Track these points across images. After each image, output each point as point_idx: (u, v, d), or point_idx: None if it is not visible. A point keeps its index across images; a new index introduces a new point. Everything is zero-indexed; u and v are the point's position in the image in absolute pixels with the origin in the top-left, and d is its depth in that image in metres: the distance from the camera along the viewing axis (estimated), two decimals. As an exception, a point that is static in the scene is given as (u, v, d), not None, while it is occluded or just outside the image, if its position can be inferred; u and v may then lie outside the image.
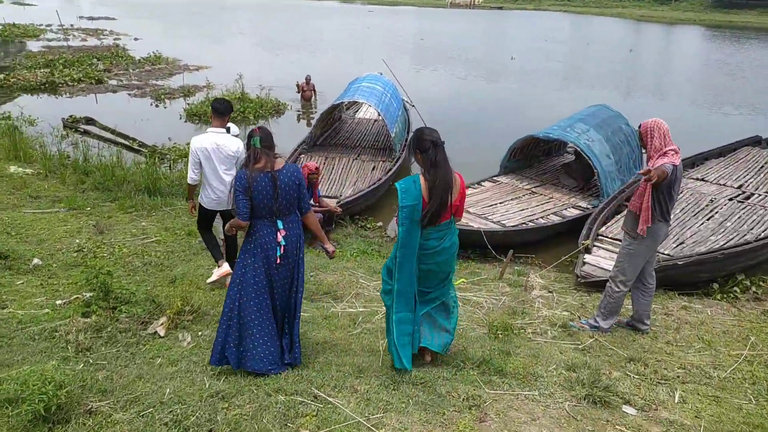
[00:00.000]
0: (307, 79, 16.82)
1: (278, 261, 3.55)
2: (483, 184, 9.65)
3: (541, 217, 8.32)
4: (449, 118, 16.27)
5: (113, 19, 44.96)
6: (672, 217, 4.86)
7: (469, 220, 7.89)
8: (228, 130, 5.26)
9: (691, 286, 6.44)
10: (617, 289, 4.77)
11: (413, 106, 14.53)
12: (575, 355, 4.35)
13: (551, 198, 9.10)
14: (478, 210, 8.33)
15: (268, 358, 3.60)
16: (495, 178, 9.94)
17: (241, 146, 5.19)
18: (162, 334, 4.15)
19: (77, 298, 4.62)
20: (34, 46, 27.15)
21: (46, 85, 17.68)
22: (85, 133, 13.01)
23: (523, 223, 8.03)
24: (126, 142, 12.17)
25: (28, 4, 55.11)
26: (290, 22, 51.96)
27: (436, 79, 23.38)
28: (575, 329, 4.94)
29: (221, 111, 5.12)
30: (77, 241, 6.62)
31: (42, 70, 19.21)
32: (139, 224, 7.63)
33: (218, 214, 5.45)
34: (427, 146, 3.45)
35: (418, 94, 15.77)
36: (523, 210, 8.53)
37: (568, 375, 3.91)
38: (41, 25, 34.46)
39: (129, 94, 17.68)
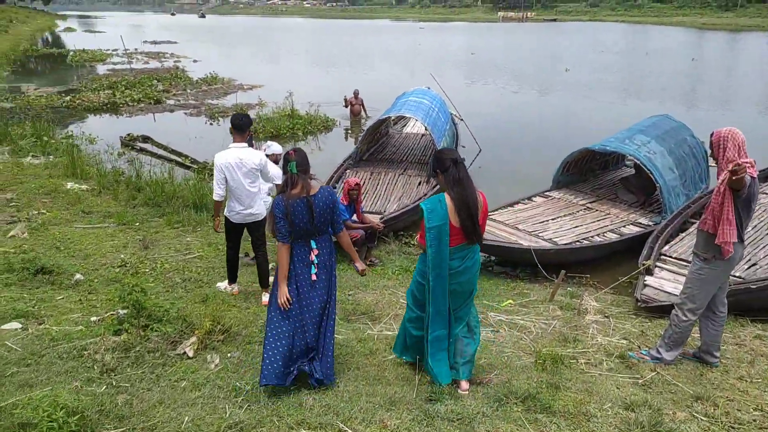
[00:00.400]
0: (355, 94, 16.76)
1: (313, 278, 3.67)
2: (534, 199, 9.20)
3: (597, 235, 7.80)
4: (500, 132, 15.86)
5: (175, 42, 47.12)
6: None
7: (519, 238, 7.48)
8: (266, 147, 5.19)
9: (766, 312, 5.79)
10: (684, 318, 4.27)
11: (462, 119, 14.24)
12: (634, 391, 3.90)
13: (608, 214, 8.55)
14: (528, 227, 7.90)
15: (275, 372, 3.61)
16: (547, 193, 9.47)
17: (263, 158, 5.23)
18: (190, 355, 4.01)
19: (111, 315, 4.56)
20: (100, 69, 28.68)
21: (108, 106, 18.49)
22: (141, 150, 13.41)
23: (577, 241, 7.54)
24: (178, 159, 12.44)
25: (98, 32, 58.80)
26: (342, 41, 52.89)
27: (487, 93, 22.97)
28: (635, 360, 4.47)
29: (240, 126, 5.13)
30: (122, 256, 6.67)
31: (105, 92, 20.14)
32: (184, 239, 7.66)
33: (246, 229, 5.45)
34: (447, 165, 3.45)
35: (469, 109, 15.47)
36: (577, 227, 8.03)
37: (626, 415, 3.48)
38: (108, 50, 36.45)
39: (185, 113, 18.24)
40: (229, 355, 4.09)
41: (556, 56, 38.66)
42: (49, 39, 50.84)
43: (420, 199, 8.85)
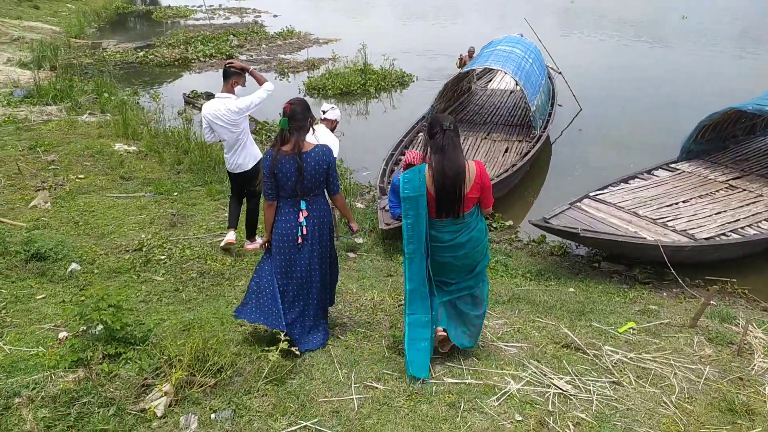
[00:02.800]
0: (470, 52, 13.93)
1: (299, 241, 3.45)
2: (656, 174, 7.17)
3: (749, 225, 5.77)
4: (606, 91, 13.46)
5: (259, -3, 46.47)
6: None
7: (641, 228, 5.61)
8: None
9: None
10: None
11: (560, 73, 12.07)
12: None
13: (760, 195, 6.42)
14: (651, 212, 5.98)
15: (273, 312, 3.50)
16: (673, 165, 7.39)
17: (240, 104, 4.90)
18: (159, 413, 2.74)
19: (82, 331, 3.40)
20: (183, 25, 28.40)
21: (180, 62, 17.84)
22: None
23: (723, 234, 5.57)
24: (237, 118, 11.36)
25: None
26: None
27: (589, 46, 20.09)
28: None
29: (224, 75, 5.01)
30: (143, 235, 5.61)
31: (180, 48, 19.55)
32: (222, 214, 6.52)
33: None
34: (435, 131, 3.24)
35: (568, 63, 13.13)
36: (719, 213, 6.01)
37: None
38: (193, 6, 36.27)
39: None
40: (213, 415, 2.78)
41: (669, 5, 33.94)
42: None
43: (508, 171, 7.12)
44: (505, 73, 9.29)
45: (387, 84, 14.16)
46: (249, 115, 5.17)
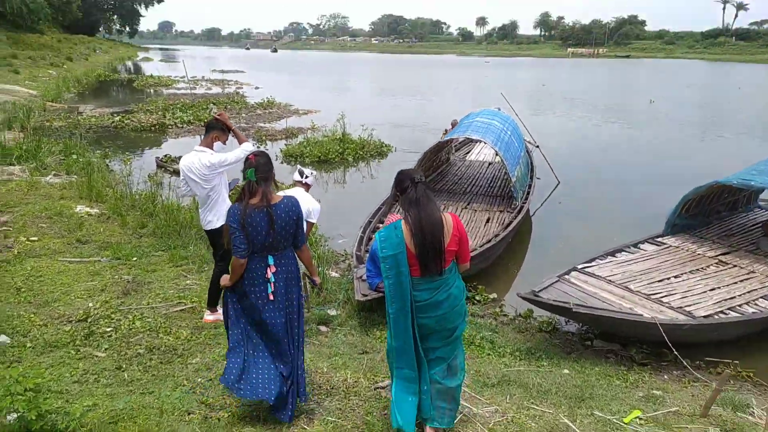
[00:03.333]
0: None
1: (270, 297, 3.30)
2: (642, 247, 6.93)
3: (747, 303, 5.46)
4: (582, 166, 13.62)
5: (242, 72, 47.74)
6: None
7: (635, 304, 5.24)
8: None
9: None
10: None
11: (537, 146, 12.13)
12: None
13: (752, 272, 6.18)
14: (643, 287, 5.65)
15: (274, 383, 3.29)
16: (659, 239, 7.17)
17: (212, 159, 4.69)
18: None
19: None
20: (164, 94, 28.57)
21: (156, 127, 17.67)
22: (175, 172, 12.13)
23: (721, 311, 5.23)
24: (210, 183, 11.00)
25: (173, 61, 60.95)
26: (406, 74, 52.06)
27: (563, 125, 20.66)
28: None
29: (206, 128, 4.90)
30: (89, 304, 5.02)
31: (158, 114, 19.47)
32: (183, 282, 5.98)
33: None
34: (405, 185, 3.11)
35: (543, 140, 13.29)
36: (713, 289, 5.71)
37: None
38: (176, 76, 36.84)
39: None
40: None
41: (636, 90, 35.78)
42: (129, 67, 52.87)
43: (491, 241, 6.79)
44: (485, 144, 9.20)
45: (365, 153, 14.09)
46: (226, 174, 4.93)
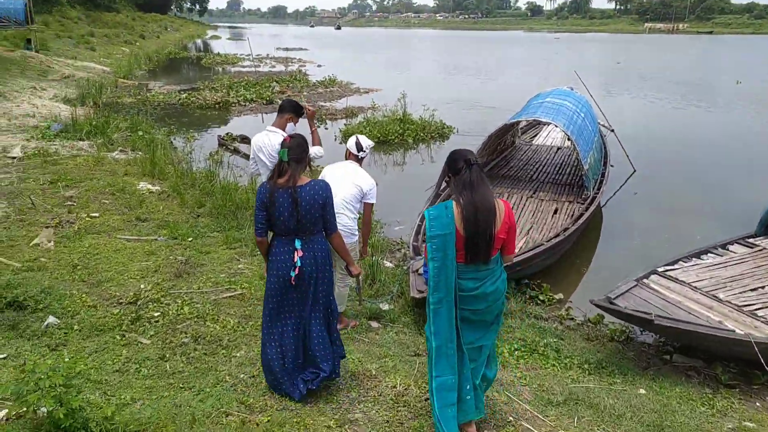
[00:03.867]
0: None
1: (292, 282, 3.26)
2: (731, 249, 6.19)
3: None
4: (660, 153, 12.59)
5: (305, 49, 47.90)
6: None
7: (724, 317, 4.63)
8: None
9: None
10: None
11: (612, 131, 11.28)
12: None
13: None
14: (733, 296, 5.00)
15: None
16: (751, 240, 6.40)
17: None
18: None
19: (25, 413, 2.69)
20: (229, 71, 29.04)
21: (220, 105, 17.87)
22: (235, 151, 12.18)
23: (829, 330, 4.55)
24: (269, 163, 10.95)
25: (240, 39, 62.09)
26: (471, 51, 50.61)
27: (638, 107, 19.31)
28: None
29: (280, 109, 4.79)
30: (141, 286, 4.98)
31: (223, 92, 19.72)
32: (235, 266, 5.87)
33: None
34: (459, 166, 2.94)
35: (617, 123, 12.33)
36: (818, 303, 4.99)
37: None
38: (241, 54, 37.40)
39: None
40: None
41: (721, 69, 33.08)
42: (199, 45, 54.26)
43: (559, 235, 6.27)
44: (556, 127, 8.56)
45: (426, 135, 13.64)
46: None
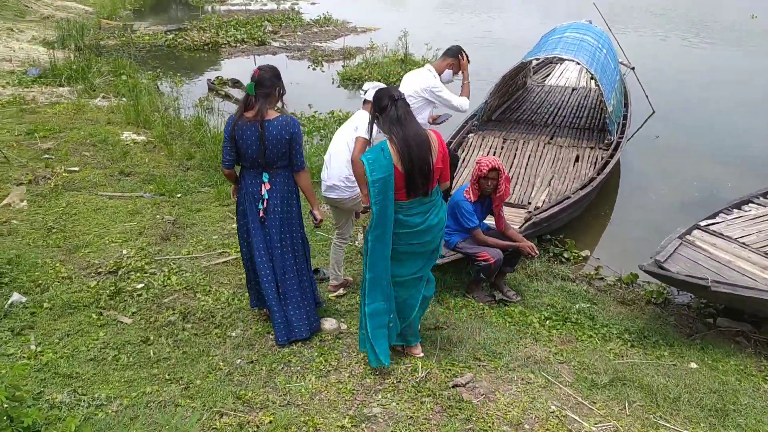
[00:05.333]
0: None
1: (261, 214, 3.32)
2: (757, 202, 5.57)
3: None
4: (678, 93, 11.79)
5: (298, -15, 45.48)
6: None
7: (758, 270, 4.10)
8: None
9: None
10: None
11: (632, 69, 10.48)
12: None
13: None
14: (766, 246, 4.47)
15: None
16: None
17: (438, 89, 4.44)
18: None
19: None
20: (219, 10, 27.51)
21: (209, 46, 16.83)
22: (226, 96, 11.38)
23: None
24: (263, 109, 10.19)
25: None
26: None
27: (650, 44, 18.23)
28: None
29: (445, 52, 4.71)
30: (123, 251, 4.44)
31: (211, 32, 18.57)
32: (229, 226, 5.33)
33: None
34: (385, 103, 2.98)
35: (632, 60, 11.47)
36: None
37: None
38: (231, -9, 35.43)
39: (288, 57, 16.08)
40: None
41: (730, 1, 31.41)
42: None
43: (584, 188, 5.67)
44: (578, 65, 7.79)
45: (430, 76, 12.78)
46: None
